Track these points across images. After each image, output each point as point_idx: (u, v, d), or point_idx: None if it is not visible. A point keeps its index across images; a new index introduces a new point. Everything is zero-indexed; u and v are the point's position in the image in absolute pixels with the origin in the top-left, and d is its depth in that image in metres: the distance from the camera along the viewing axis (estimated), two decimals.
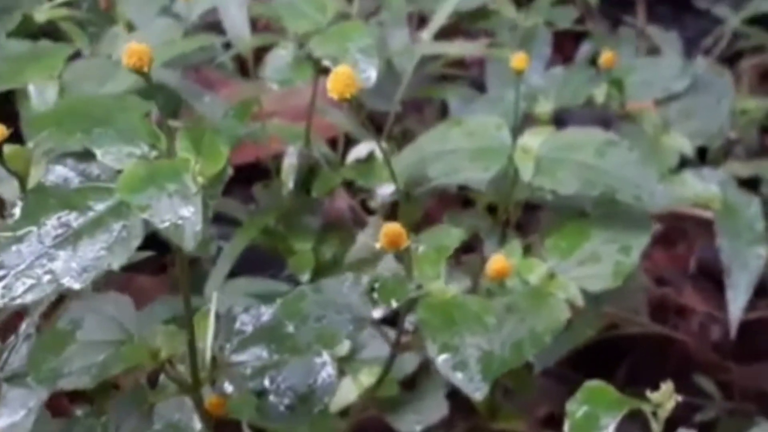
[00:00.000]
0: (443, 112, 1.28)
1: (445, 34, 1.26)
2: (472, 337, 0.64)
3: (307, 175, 1.12)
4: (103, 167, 0.53)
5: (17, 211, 0.52)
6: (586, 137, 0.83)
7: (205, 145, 0.54)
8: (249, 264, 1.11)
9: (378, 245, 0.59)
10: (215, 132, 0.55)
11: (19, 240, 0.51)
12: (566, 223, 0.83)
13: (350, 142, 1.15)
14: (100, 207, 0.52)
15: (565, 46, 1.42)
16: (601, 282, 0.79)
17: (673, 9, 1.48)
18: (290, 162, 1.08)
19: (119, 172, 0.52)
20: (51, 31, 1.22)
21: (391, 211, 1.15)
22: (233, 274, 1.03)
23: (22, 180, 0.55)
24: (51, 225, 0.52)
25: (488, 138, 0.84)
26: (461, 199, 1.20)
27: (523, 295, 0.77)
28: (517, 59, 0.81)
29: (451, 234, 0.72)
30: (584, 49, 1.34)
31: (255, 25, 1.32)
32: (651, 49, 1.32)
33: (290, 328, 0.65)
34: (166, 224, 0.49)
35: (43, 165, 0.53)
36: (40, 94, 0.95)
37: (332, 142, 1.18)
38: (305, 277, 1.05)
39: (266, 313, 0.67)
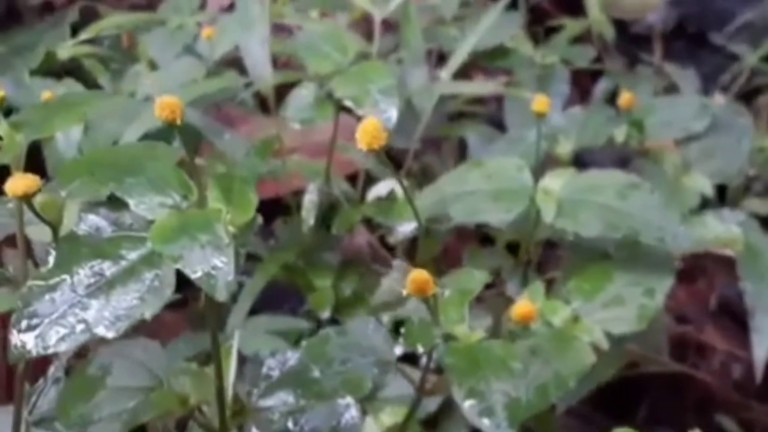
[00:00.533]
0: (461, 149, 1.28)
1: (463, 71, 1.27)
2: (498, 382, 0.63)
3: (327, 211, 1.12)
4: (135, 217, 0.53)
5: (50, 260, 0.53)
6: (608, 179, 0.83)
7: (236, 195, 0.55)
8: (268, 298, 1.11)
9: (405, 292, 0.59)
10: (244, 180, 0.55)
11: (52, 289, 0.52)
12: (589, 264, 0.83)
13: (370, 178, 1.16)
14: (132, 256, 0.52)
15: (581, 83, 1.42)
16: (625, 325, 0.79)
17: (689, 45, 1.48)
18: (311, 199, 1.08)
19: (151, 221, 0.52)
20: (74, 68, 1.23)
21: (410, 247, 1.16)
22: (253, 308, 1.03)
23: (55, 228, 0.56)
24: (84, 274, 0.52)
25: (509, 179, 0.85)
26: (479, 235, 1.20)
27: (547, 338, 0.77)
28: (539, 102, 0.81)
29: (474, 277, 0.72)
30: (601, 86, 1.34)
31: (275, 61, 1.33)
32: (668, 87, 1.32)
33: (316, 373, 0.65)
34: (199, 274, 0.49)
35: (76, 213, 0.54)
36: (66, 136, 0.97)
37: (352, 179, 1.18)
38: (325, 313, 1.06)
39: (292, 357, 0.67)
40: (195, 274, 0.49)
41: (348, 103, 0.96)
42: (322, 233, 1.11)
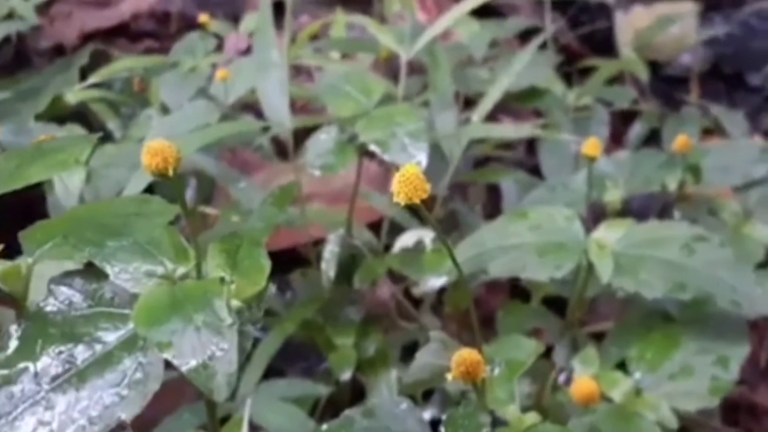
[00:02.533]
0: (490, 195, 1.16)
1: (490, 113, 1.15)
2: None
3: (349, 263, 1.00)
4: (116, 289, 0.41)
5: (11, 344, 0.40)
6: (670, 232, 0.70)
7: (243, 260, 0.42)
8: (282, 355, 0.99)
9: (450, 376, 0.47)
10: (253, 242, 0.43)
11: (11, 380, 0.39)
12: (649, 328, 0.70)
13: (394, 227, 1.03)
14: (110, 339, 0.40)
15: (612, 125, 1.30)
16: (696, 401, 0.65)
17: (726, 86, 1.36)
18: (332, 250, 0.96)
19: (136, 295, 0.40)
20: (83, 114, 1.12)
21: (437, 299, 1.03)
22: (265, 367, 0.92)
23: (19, 303, 0.43)
24: (50, 361, 0.40)
25: (557, 231, 0.72)
26: (511, 285, 1.08)
27: (606, 416, 0.64)
28: (589, 146, 0.69)
29: (523, 347, 0.60)
30: (636, 128, 1.22)
31: (292, 105, 1.22)
32: (710, 130, 1.20)
33: None
34: (192, 365, 0.37)
35: (44, 285, 0.41)
36: (64, 185, 0.85)
37: (374, 227, 1.06)
38: (346, 375, 0.93)
39: None
40: (187, 365, 0.36)
41: (374, 148, 0.84)
42: (342, 286, 0.99)
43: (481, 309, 1.11)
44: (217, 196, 1.10)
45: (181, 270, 0.41)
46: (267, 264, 0.42)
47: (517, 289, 1.04)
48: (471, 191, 1.21)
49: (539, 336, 0.99)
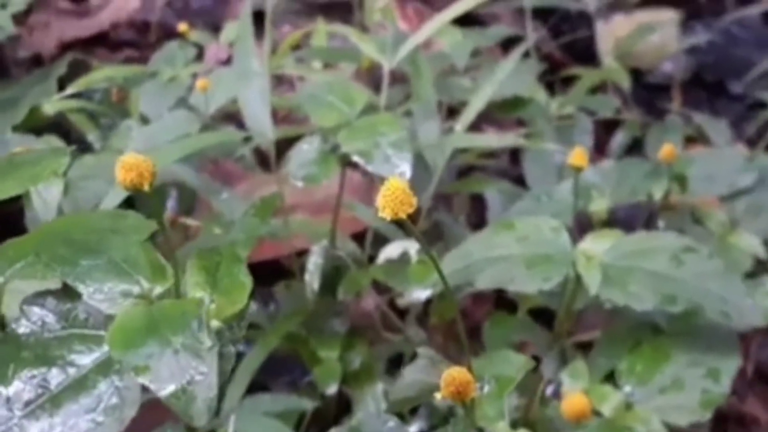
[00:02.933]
0: (474, 204, 1.14)
1: (473, 123, 1.14)
2: None
3: (333, 274, 0.98)
4: (90, 309, 0.39)
5: None
6: (659, 243, 0.68)
7: (223, 277, 0.40)
8: (266, 368, 0.97)
9: (439, 395, 0.45)
10: (234, 258, 0.41)
11: None
12: (638, 340, 0.68)
13: (378, 238, 1.02)
14: (85, 361, 0.38)
15: (595, 134, 1.29)
16: (687, 414, 0.64)
17: (708, 94, 1.36)
18: (315, 261, 0.94)
19: (111, 316, 0.38)
20: (61, 124, 1.10)
21: (423, 311, 1.02)
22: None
23: None
24: (22, 385, 0.38)
25: (545, 243, 0.70)
26: (496, 296, 1.06)
27: (596, 430, 0.62)
28: (577, 155, 0.67)
29: (512, 362, 0.58)
30: (619, 137, 1.21)
31: (274, 115, 1.20)
32: (689, 137, 1.19)
33: None
34: (170, 390, 0.35)
35: (16, 305, 0.39)
36: (41, 197, 0.82)
37: (358, 237, 1.04)
38: (332, 389, 0.91)
39: None
40: (165, 390, 0.34)
41: (356, 158, 0.83)
42: (327, 298, 0.97)
43: (467, 320, 1.09)
44: (199, 208, 1.07)
45: (158, 289, 0.39)
46: (248, 281, 0.40)
47: (502, 300, 1.03)
48: (455, 201, 1.19)
49: (525, 348, 0.97)
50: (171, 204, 1.08)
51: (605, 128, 1.29)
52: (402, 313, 1.02)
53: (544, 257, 0.69)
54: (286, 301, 1.01)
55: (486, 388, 0.53)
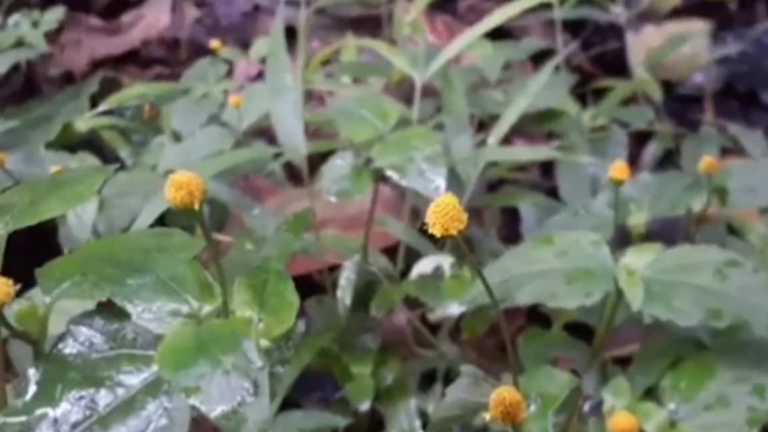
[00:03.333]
0: (507, 217, 1.13)
1: (507, 136, 1.13)
2: None
3: (365, 290, 0.98)
4: (138, 329, 0.38)
5: (29, 388, 0.38)
6: (702, 257, 0.67)
7: (270, 296, 0.40)
8: (298, 383, 0.97)
9: (488, 416, 0.44)
10: (280, 276, 0.41)
11: (30, 427, 0.37)
12: (681, 356, 0.67)
13: (410, 252, 1.01)
14: (133, 382, 0.38)
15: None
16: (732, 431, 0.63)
17: (740, 104, 1.34)
18: (348, 277, 0.94)
19: (160, 336, 0.37)
20: (93, 140, 1.10)
21: (455, 326, 1.01)
22: None
23: (36, 345, 0.41)
24: (70, 406, 0.37)
25: (585, 258, 0.69)
26: (527, 310, 1.05)
27: None
28: (617, 169, 0.66)
29: (556, 380, 0.57)
30: (651, 149, 1.19)
31: (305, 130, 1.20)
32: (724, 149, 1.17)
33: None
34: (220, 412, 0.34)
35: (63, 325, 0.39)
36: (77, 215, 0.83)
37: (389, 252, 1.03)
38: (365, 405, 0.90)
39: None
40: (215, 412, 0.34)
41: (390, 173, 0.82)
42: (359, 314, 0.96)
43: (499, 335, 1.08)
44: (229, 223, 1.07)
45: (206, 308, 0.39)
46: (295, 300, 0.40)
47: (535, 314, 1.02)
48: (486, 215, 1.18)
49: (560, 364, 0.96)
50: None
51: (637, 140, 1.28)
52: (434, 328, 1.01)
53: (585, 272, 0.68)
54: (318, 316, 1.00)
55: (532, 407, 0.52)
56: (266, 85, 0.92)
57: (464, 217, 0.42)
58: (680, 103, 1.34)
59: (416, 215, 1.15)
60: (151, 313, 0.38)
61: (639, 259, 0.68)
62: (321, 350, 0.95)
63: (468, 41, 0.98)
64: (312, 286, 1.04)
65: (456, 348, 1.00)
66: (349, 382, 0.93)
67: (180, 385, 0.35)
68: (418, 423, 0.91)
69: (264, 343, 0.37)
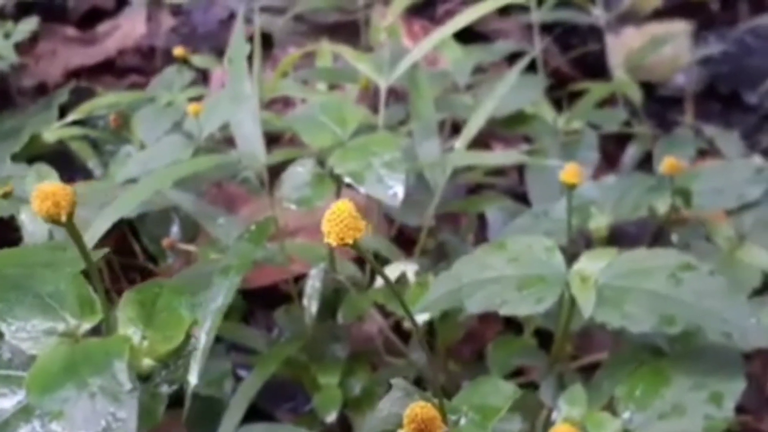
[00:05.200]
0: (482, 224, 1.10)
1: (481, 140, 1.10)
2: None
3: (333, 298, 0.95)
4: (14, 349, 0.36)
5: None
6: (657, 260, 0.64)
7: (160, 311, 0.37)
8: (269, 394, 0.94)
9: None
10: (175, 291, 0.38)
11: None
12: (638, 363, 0.64)
13: (378, 260, 0.98)
14: (7, 405, 0.35)
15: (607, 148, 1.24)
16: None
17: (722, 105, 1.30)
18: (313, 285, 0.91)
19: (34, 357, 0.35)
20: (63, 152, 1.08)
21: (429, 333, 0.98)
22: (250, 406, 0.85)
23: None
24: None
25: (537, 264, 0.66)
26: (504, 319, 1.02)
27: None
28: (569, 172, 0.63)
29: (500, 390, 0.54)
30: (630, 151, 1.16)
31: (279, 138, 1.17)
32: (705, 151, 1.14)
33: None
34: None
35: None
36: (33, 225, 0.80)
37: (358, 260, 1.01)
38: (331, 417, 0.88)
39: None
40: None
41: (349, 180, 0.80)
42: (327, 323, 0.94)
43: (475, 342, 1.05)
44: (203, 234, 1.05)
45: (85, 326, 0.36)
46: (187, 316, 0.37)
47: (511, 321, 0.99)
48: (463, 222, 1.16)
49: (530, 372, 0.93)
50: (174, 230, 1.06)
51: (617, 143, 1.24)
52: (408, 336, 0.99)
53: (537, 278, 0.65)
54: (285, 326, 0.98)
55: (463, 421, 0.49)
56: (225, 93, 0.90)
57: (362, 225, 0.39)
58: (660, 105, 1.30)
59: (390, 222, 1.12)
60: (25, 333, 0.35)
61: (593, 264, 0.65)
62: (290, 360, 0.93)
63: (434, 43, 0.95)
64: (280, 296, 1.02)
65: (426, 356, 0.97)
66: (316, 392, 0.91)
67: (46, 409, 0.32)
68: None
69: (148, 362, 0.35)
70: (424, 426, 0.41)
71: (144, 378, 0.35)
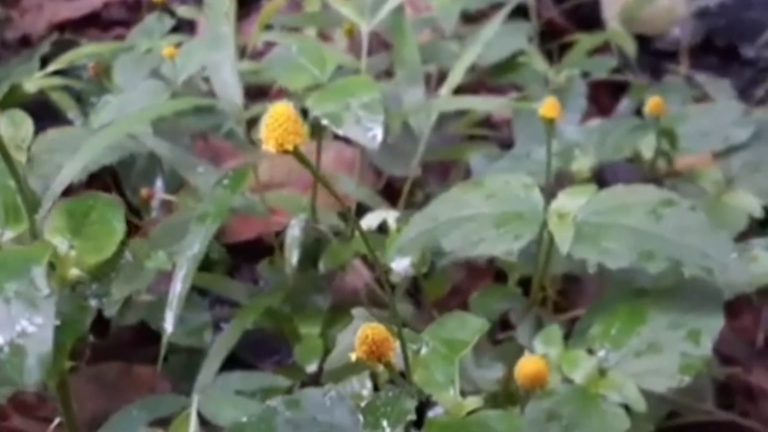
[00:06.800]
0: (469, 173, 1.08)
1: (470, 90, 1.07)
2: None
3: (314, 248, 0.93)
4: None
5: None
6: (637, 196, 0.61)
7: (93, 223, 0.35)
8: (253, 347, 0.92)
9: (353, 356, 0.39)
10: (109, 205, 0.36)
11: None
12: (616, 301, 0.61)
13: (363, 211, 0.96)
14: None
15: (602, 100, 1.22)
16: (664, 380, 0.56)
17: (719, 58, 1.27)
18: (293, 235, 0.89)
19: None
20: (45, 102, 1.06)
21: (414, 287, 0.96)
22: (235, 360, 0.85)
23: None
24: None
25: (515, 201, 0.63)
26: (493, 271, 0.99)
27: (566, 399, 0.56)
28: (547, 106, 0.61)
29: (468, 324, 0.52)
30: (625, 102, 1.13)
31: (268, 87, 1.15)
32: (698, 100, 1.11)
33: None
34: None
35: None
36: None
37: (342, 212, 0.98)
38: (312, 367, 0.86)
39: None
40: None
41: (325, 122, 0.77)
42: (309, 273, 0.92)
43: (463, 295, 1.03)
44: (186, 186, 1.03)
45: (9, 234, 0.34)
46: (120, 228, 0.35)
47: (501, 274, 0.97)
48: (453, 174, 1.13)
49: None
50: (158, 183, 1.04)
51: (612, 94, 1.21)
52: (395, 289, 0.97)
53: (515, 216, 0.62)
54: (268, 278, 0.96)
55: (425, 350, 0.47)
56: (202, 38, 0.87)
57: (302, 129, 0.36)
58: (656, 58, 1.27)
59: (378, 175, 1.10)
60: None
61: (572, 201, 0.63)
62: (272, 311, 0.91)
63: None
64: (265, 249, 1.00)
65: (412, 308, 0.95)
66: (298, 343, 0.89)
67: None
68: (369, 384, 0.87)
69: (74, 272, 0.32)
70: (375, 347, 0.39)
71: (72, 289, 0.33)
